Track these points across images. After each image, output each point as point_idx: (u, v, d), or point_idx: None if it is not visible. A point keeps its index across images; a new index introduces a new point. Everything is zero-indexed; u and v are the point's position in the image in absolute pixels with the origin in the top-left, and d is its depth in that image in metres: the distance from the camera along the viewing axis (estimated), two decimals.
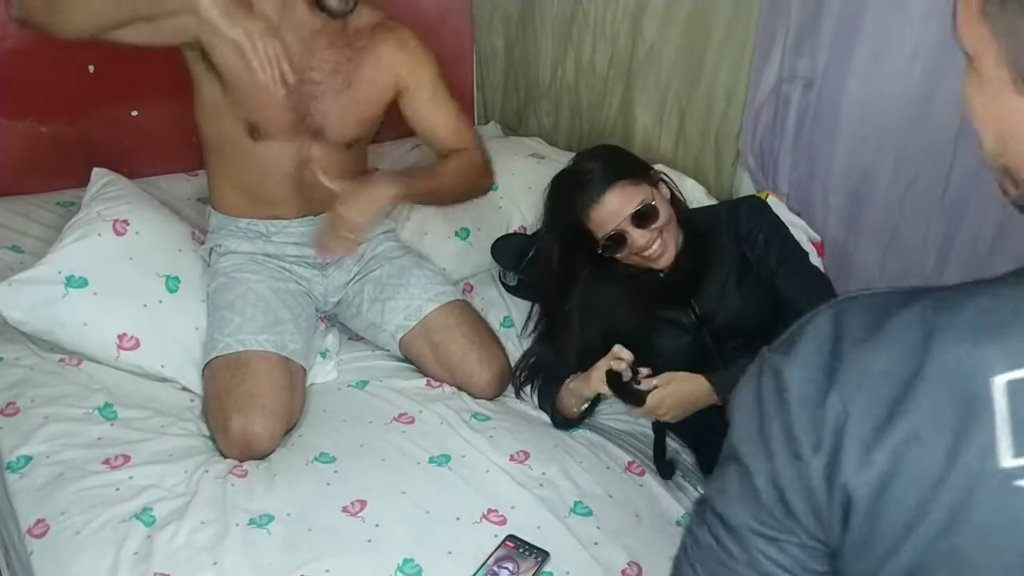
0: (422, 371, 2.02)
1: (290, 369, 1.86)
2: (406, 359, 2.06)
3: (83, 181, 2.29)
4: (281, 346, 1.86)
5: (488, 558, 1.52)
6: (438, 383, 1.97)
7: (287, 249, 2.03)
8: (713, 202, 2.26)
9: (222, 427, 1.76)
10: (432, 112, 2.04)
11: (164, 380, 1.91)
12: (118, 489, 1.61)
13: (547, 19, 2.66)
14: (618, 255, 1.75)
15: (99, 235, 1.95)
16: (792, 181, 2.14)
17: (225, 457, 1.75)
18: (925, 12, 1.74)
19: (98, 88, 2.39)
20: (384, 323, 2.03)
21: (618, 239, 1.72)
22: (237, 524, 1.55)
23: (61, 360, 1.89)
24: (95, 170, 2.14)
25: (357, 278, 2.08)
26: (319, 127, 1.92)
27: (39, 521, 1.54)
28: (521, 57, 2.79)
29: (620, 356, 1.67)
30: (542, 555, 1.52)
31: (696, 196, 2.29)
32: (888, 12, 1.79)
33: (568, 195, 1.75)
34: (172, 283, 1.96)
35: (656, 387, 1.65)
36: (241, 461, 1.73)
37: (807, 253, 1.88)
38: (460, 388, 1.96)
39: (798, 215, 2.10)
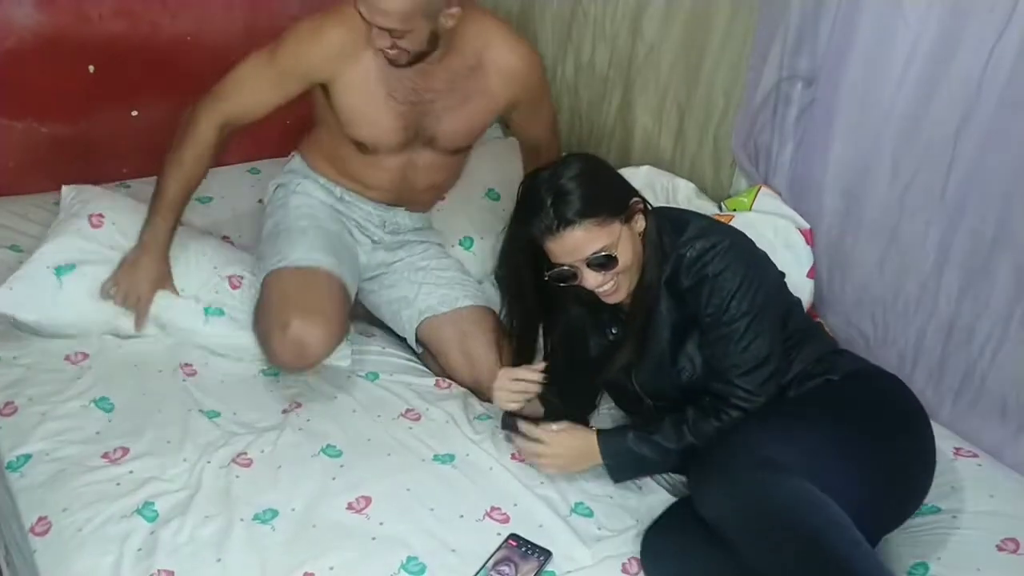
0: (440, 359, 2.03)
1: (346, 293, 1.96)
2: (419, 347, 2.07)
3: (83, 181, 2.30)
4: (342, 274, 1.96)
5: (489, 558, 1.52)
6: (447, 384, 1.97)
7: (355, 213, 2.10)
8: (705, 201, 2.28)
9: (281, 326, 1.82)
10: (534, 121, 2.14)
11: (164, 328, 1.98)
12: (119, 484, 1.61)
13: (547, 19, 2.67)
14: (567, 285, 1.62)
15: (78, 230, 2.02)
16: (791, 180, 2.14)
17: (271, 364, 1.87)
18: (923, 12, 1.75)
19: (98, 88, 2.39)
20: (416, 300, 2.07)
21: (569, 275, 1.58)
22: (241, 519, 1.55)
23: (67, 357, 1.91)
24: (64, 188, 2.18)
25: (400, 261, 2.13)
26: (431, 138, 1.98)
27: (41, 519, 1.54)
28: None
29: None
30: (544, 554, 1.52)
31: (687, 195, 2.30)
32: (886, 12, 1.81)
33: (531, 210, 1.57)
34: None
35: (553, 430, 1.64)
36: (289, 368, 1.85)
37: (760, 310, 1.58)
38: (476, 381, 1.97)
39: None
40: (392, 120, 1.92)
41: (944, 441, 1.78)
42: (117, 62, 2.35)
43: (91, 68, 2.39)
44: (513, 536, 1.56)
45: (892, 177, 1.89)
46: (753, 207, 2.17)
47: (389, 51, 1.79)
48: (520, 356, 1.81)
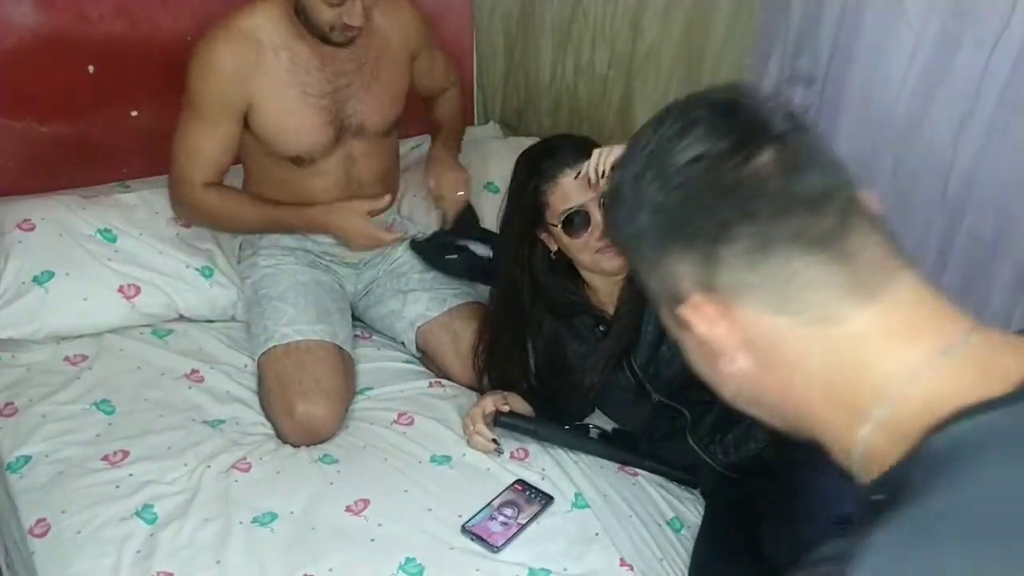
0: (437, 363, 2.03)
1: (343, 356, 1.91)
2: (418, 353, 2.06)
3: (83, 181, 2.30)
4: (333, 335, 1.93)
5: (496, 498, 1.62)
6: (438, 383, 1.97)
7: (324, 247, 2.08)
8: None
9: (287, 412, 1.80)
10: (432, 66, 2.20)
11: (180, 318, 2.05)
12: (118, 486, 1.62)
13: (547, 19, 2.66)
14: (576, 239, 1.60)
15: (20, 242, 2.01)
16: None
17: (285, 444, 1.79)
18: (924, 12, 1.74)
19: (98, 88, 2.39)
20: (405, 311, 2.06)
21: (582, 216, 1.57)
22: (240, 522, 1.56)
23: (66, 359, 1.91)
24: None
25: (383, 273, 2.12)
26: (360, 125, 1.97)
27: (40, 520, 1.55)
28: (521, 57, 2.79)
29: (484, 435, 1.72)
30: (547, 499, 1.64)
31: None
32: (887, 12, 1.80)
33: (535, 162, 1.61)
34: (107, 235, 2.05)
35: None
36: (305, 446, 1.77)
37: None
38: (473, 381, 1.94)
39: None
40: (315, 117, 1.90)
41: None
42: (117, 62, 2.35)
43: (91, 68, 2.38)
44: (520, 481, 1.67)
45: (892, 177, 1.88)
46: None
47: (358, 26, 1.78)
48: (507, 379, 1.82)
